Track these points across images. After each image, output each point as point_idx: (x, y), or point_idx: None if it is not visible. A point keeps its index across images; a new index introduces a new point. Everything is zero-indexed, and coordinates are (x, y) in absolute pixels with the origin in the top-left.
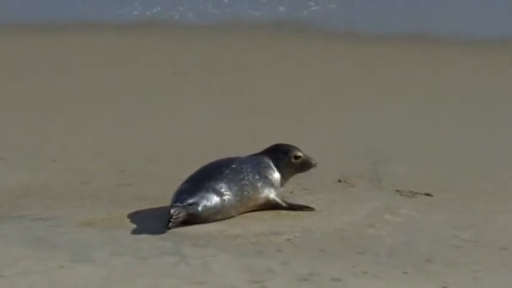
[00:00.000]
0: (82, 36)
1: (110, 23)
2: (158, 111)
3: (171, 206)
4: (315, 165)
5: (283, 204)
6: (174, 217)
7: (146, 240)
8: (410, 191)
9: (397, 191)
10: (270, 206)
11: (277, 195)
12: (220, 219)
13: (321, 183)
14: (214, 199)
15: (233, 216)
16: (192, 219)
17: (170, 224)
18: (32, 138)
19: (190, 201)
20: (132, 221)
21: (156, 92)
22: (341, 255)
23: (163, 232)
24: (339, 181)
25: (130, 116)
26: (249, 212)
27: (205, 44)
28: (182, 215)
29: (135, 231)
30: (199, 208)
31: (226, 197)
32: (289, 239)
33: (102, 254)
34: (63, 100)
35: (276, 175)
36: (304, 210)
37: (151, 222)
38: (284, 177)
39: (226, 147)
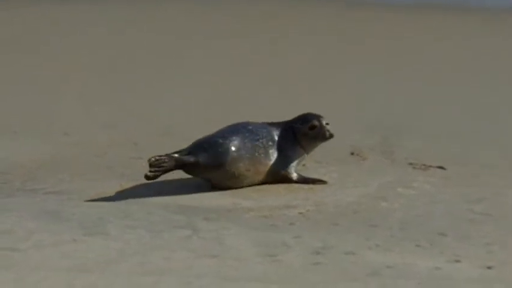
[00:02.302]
0: (89, 5)
1: None
2: (170, 82)
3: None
4: (329, 137)
5: (294, 178)
6: (152, 166)
7: (159, 213)
8: (423, 164)
9: (410, 164)
10: (282, 178)
11: (290, 167)
12: (231, 173)
13: (333, 156)
14: (222, 147)
15: (243, 176)
16: (195, 169)
17: (149, 173)
18: (43, 111)
19: (187, 151)
20: (145, 195)
21: (169, 63)
22: (354, 228)
23: (176, 205)
24: (352, 154)
25: (142, 88)
26: (261, 183)
27: (218, 12)
28: (167, 164)
29: (147, 205)
30: (199, 158)
31: (235, 147)
32: (302, 213)
33: (115, 228)
34: (73, 72)
35: (293, 145)
36: (316, 184)
37: (164, 195)
38: (303, 148)
39: (237, 118)
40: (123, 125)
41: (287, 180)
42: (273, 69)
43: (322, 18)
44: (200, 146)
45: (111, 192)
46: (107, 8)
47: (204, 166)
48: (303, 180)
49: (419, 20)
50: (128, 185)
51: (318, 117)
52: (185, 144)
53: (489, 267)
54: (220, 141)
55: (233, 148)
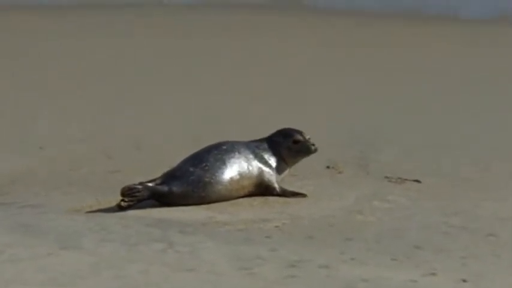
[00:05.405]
0: (63, 16)
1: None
2: (145, 97)
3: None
4: (314, 151)
5: (277, 189)
6: (126, 196)
7: (134, 227)
8: (399, 178)
9: (386, 177)
10: (264, 188)
11: (273, 179)
12: (208, 198)
13: (309, 169)
14: (194, 175)
15: (226, 195)
16: (170, 198)
17: (122, 203)
18: (19, 125)
19: (159, 180)
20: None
21: (144, 75)
22: (329, 241)
23: (152, 218)
24: (328, 167)
25: (118, 102)
26: (243, 194)
27: (191, 26)
28: (140, 194)
29: (123, 218)
30: (173, 187)
31: (208, 174)
32: (277, 226)
33: (90, 241)
34: (49, 86)
35: (275, 159)
36: (297, 197)
37: (140, 209)
38: (285, 162)
39: (213, 132)
40: (98, 139)
41: (269, 191)
42: (250, 84)
43: (296, 31)
44: (173, 175)
45: (86, 205)
46: (85, 19)
47: (178, 195)
48: (284, 193)
49: (397, 31)
50: (103, 198)
51: (299, 132)
52: (159, 158)
53: (464, 281)
54: (191, 169)
55: (206, 174)
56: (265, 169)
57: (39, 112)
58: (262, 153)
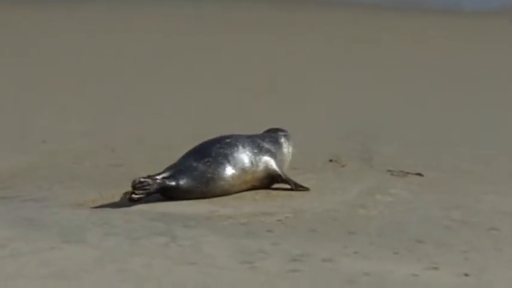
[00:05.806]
0: (67, 10)
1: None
2: (147, 91)
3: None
4: None
5: (282, 175)
6: (137, 189)
7: (137, 220)
8: (401, 171)
9: (388, 170)
10: (270, 178)
11: (277, 167)
12: (212, 193)
13: (311, 163)
14: (197, 170)
15: (229, 190)
16: (175, 192)
17: (134, 196)
18: (21, 119)
19: (166, 174)
20: (123, 202)
21: (145, 71)
22: (332, 235)
23: (155, 212)
24: (330, 161)
25: (120, 96)
26: (247, 189)
27: (192, 22)
28: (150, 187)
29: (126, 212)
30: (180, 182)
31: (210, 169)
32: (280, 220)
33: (94, 235)
34: (51, 79)
35: (284, 149)
36: (299, 190)
37: (143, 203)
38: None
39: (214, 129)
40: (100, 134)
41: (275, 178)
42: (251, 80)
43: (297, 25)
44: (178, 170)
45: (89, 199)
46: (85, 14)
47: (184, 190)
48: (288, 181)
49: (396, 24)
50: (106, 192)
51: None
52: (163, 152)
53: (466, 275)
54: (194, 164)
55: (209, 170)
56: (270, 160)
57: (40, 109)
58: (268, 146)
